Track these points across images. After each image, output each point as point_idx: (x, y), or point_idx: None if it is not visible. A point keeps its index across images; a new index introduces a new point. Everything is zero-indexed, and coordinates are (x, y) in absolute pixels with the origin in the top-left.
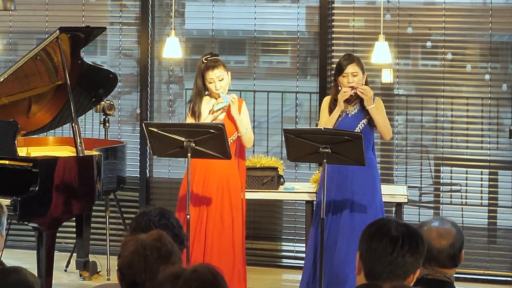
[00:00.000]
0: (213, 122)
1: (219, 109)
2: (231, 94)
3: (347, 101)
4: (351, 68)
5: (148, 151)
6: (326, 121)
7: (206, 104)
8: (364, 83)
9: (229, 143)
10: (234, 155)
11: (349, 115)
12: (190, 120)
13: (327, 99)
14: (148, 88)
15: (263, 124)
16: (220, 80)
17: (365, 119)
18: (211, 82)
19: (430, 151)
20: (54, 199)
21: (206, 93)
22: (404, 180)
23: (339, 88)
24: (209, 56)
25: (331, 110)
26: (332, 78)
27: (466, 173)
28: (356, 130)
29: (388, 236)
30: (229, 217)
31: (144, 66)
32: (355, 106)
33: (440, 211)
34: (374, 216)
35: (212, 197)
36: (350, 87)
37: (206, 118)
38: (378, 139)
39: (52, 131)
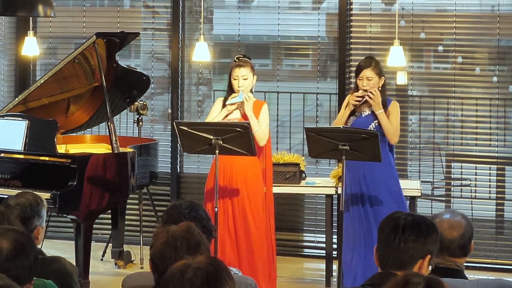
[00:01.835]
0: (240, 121)
1: (233, 104)
2: (249, 93)
3: (357, 104)
4: (366, 73)
5: (179, 148)
6: (336, 121)
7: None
8: (380, 87)
9: None
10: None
11: (363, 115)
12: (217, 109)
13: (347, 98)
14: (179, 90)
15: (286, 123)
16: (244, 79)
17: (377, 120)
18: (236, 79)
19: (442, 148)
20: (91, 193)
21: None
22: (418, 175)
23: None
24: (241, 56)
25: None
26: (351, 80)
27: (475, 169)
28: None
29: (391, 225)
30: (250, 211)
31: (175, 69)
32: (370, 107)
33: (451, 204)
34: (389, 210)
35: (233, 191)
36: (364, 90)
37: (221, 111)
38: None
39: (89, 129)
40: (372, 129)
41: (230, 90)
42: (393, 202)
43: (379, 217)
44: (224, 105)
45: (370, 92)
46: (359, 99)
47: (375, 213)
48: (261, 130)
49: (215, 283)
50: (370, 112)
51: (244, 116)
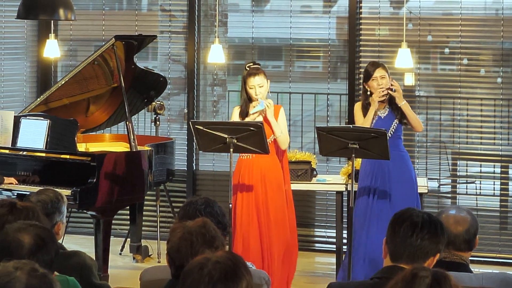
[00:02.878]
0: (253, 121)
1: (255, 112)
2: (268, 99)
3: (381, 101)
4: (378, 72)
5: (195, 147)
6: (363, 122)
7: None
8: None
9: (268, 143)
10: (276, 154)
11: (382, 117)
12: (236, 119)
13: (358, 105)
14: (195, 90)
15: (298, 123)
16: (260, 87)
17: (397, 119)
18: (252, 88)
19: (448, 147)
20: (110, 189)
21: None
22: (425, 172)
23: (368, 93)
24: (252, 64)
25: (364, 114)
26: (361, 81)
27: (480, 166)
28: (390, 130)
29: (409, 220)
30: (274, 208)
31: (191, 70)
32: (385, 108)
33: (457, 200)
34: (411, 205)
35: (256, 190)
36: (381, 89)
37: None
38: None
39: (108, 128)
40: (393, 129)
41: (247, 99)
42: (411, 200)
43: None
44: (244, 114)
45: (392, 85)
46: (385, 93)
47: (392, 208)
48: (283, 134)
49: (233, 277)
50: (388, 113)
51: (267, 122)
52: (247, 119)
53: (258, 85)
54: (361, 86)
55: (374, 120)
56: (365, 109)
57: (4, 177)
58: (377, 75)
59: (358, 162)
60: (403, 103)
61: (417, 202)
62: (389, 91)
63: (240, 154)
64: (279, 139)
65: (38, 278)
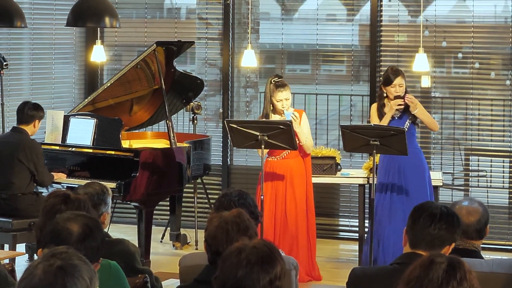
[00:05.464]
0: (282, 120)
1: None
2: (294, 112)
3: (401, 109)
4: (398, 81)
5: (229, 143)
6: (381, 123)
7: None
8: (405, 91)
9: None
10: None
11: (396, 118)
12: None
13: (374, 106)
14: (229, 92)
15: (324, 121)
16: (286, 100)
17: (409, 120)
18: (279, 101)
19: (461, 143)
20: (152, 183)
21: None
22: (440, 167)
23: (384, 95)
24: (276, 78)
25: (380, 114)
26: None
27: (491, 162)
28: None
29: (428, 211)
30: (293, 201)
31: (226, 73)
32: (399, 111)
33: (469, 193)
34: (424, 197)
35: (283, 185)
36: (397, 96)
37: None
38: (418, 133)
39: (150, 127)
40: (406, 128)
41: (273, 108)
42: (424, 191)
43: (411, 203)
44: None
45: (409, 98)
46: (402, 104)
47: (408, 200)
48: (308, 140)
49: (269, 261)
50: (399, 115)
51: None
52: None
53: (285, 98)
54: (378, 89)
55: (390, 122)
56: (379, 111)
57: (53, 173)
58: (396, 83)
59: (378, 157)
60: (415, 111)
61: (430, 191)
62: (407, 101)
63: (268, 156)
64: (304, 146)
65: (52, 274)
